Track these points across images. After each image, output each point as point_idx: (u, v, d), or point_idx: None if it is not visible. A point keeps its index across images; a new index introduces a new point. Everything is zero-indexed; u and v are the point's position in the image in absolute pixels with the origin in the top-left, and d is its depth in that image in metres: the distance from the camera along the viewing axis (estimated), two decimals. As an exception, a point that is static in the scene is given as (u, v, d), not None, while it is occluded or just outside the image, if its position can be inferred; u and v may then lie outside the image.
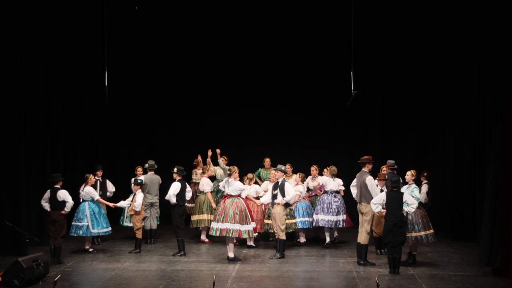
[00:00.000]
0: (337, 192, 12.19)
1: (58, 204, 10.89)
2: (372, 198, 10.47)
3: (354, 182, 11.17)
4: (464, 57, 12.83)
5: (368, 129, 15.39)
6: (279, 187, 11.16)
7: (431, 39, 13.82)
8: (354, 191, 11.16)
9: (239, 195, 11.00)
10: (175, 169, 11.61)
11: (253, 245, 12.21)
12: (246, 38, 14.94)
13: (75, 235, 11.50)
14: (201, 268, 10.44)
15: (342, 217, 12.04)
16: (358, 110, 14.89)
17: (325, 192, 12.18)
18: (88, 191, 11.64)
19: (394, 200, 10.02)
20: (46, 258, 9.76)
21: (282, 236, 11.22)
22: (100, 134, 15.42)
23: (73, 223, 11.53)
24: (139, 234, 11.71)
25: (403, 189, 10.61)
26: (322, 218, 11.99)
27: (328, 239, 12.27)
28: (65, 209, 10.91)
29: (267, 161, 13.45)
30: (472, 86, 12.44)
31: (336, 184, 12.18)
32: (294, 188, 11.75)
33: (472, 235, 12.55)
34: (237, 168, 11.14)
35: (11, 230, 10.86)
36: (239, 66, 15.15)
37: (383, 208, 10.16)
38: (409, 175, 10.89)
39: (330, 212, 11.96)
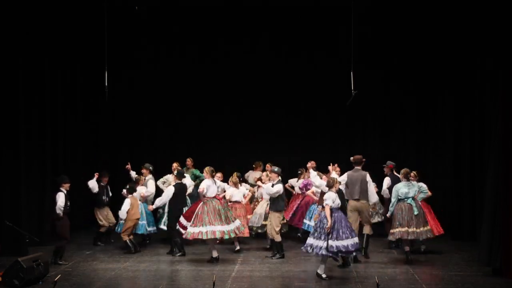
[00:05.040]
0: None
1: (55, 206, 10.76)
2: (367, 195, 10.88)
3: (345, 177, 11.11)
4: (464, 57, 12.81)
5: (368, 128, 15.38)
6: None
7: (431, 37, 13.80)
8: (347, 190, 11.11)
9: (215, 196, 10.94)
10: (175, 172, 11.56)
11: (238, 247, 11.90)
12: (246, 38, 14.95)
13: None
14: (201, 268, 10.44)
15: None
16: (357, 109, 14.85)
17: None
18: (140, 191, 11.94)
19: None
20: (46, 258, 9.76)
21: (277, 238, 11.15)
22: (100, 135, 15.40)
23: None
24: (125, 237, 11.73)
25: (402, 184, 10.81)
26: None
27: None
28: (56, 210, 10.63)
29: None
30: (472, 85, 12.44)
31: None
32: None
33: (472, 235, 12.54)
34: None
35: (11, 230, 10.83)
36: (239, 66, 15.10)
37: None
38: (412, 176, 11.12)
39: None
